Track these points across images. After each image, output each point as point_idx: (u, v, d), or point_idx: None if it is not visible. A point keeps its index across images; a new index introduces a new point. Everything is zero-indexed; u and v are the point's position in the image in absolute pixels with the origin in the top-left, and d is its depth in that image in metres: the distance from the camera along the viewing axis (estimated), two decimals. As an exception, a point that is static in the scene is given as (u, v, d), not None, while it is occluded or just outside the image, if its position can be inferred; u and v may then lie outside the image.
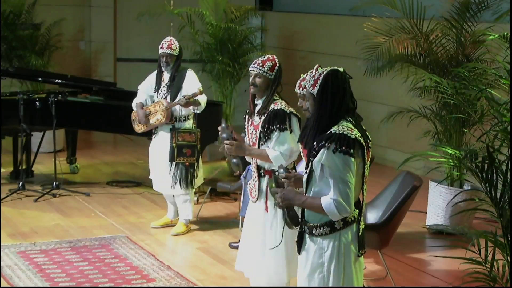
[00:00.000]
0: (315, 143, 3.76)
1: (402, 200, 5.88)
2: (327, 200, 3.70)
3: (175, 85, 7.03)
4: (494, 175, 3.93)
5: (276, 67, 5.16)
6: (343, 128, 3.71)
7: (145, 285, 5.96)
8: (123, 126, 8.11)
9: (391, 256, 6.63)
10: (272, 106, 5.13)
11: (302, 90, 4.66)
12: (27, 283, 5.87)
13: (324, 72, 3.84)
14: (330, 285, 3.84)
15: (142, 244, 6.90)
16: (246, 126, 5.34)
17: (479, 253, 4.10)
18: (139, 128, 7.26)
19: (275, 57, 5.23)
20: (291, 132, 5.06)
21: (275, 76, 5.15)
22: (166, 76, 7.11)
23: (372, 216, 6.05)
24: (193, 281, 6.05)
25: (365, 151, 3.77)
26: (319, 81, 3.83)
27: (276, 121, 5.07)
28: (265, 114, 5.12)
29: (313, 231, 3.86)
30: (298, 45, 12.03)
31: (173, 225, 7.38)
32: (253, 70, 5.14)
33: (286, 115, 5.08)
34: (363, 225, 3.91)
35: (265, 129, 5.08)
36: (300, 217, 4.01)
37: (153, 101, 7.19)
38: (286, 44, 12.28)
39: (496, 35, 4.03)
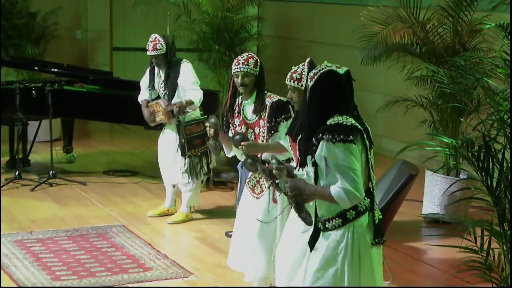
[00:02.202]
0: (313, 139, 3.74)
1: (399, 189, 5.88)
2: (337, 189, 3.67)
3: (170, 82, 7.01)
4: (490, 164, 3.94)
5: (258, 63, 5.22)
6: (338, 118, 3.70)
7: (141, 273, 5.97)
8: (120, 115, 8.12)
9: (387, 244, 6.59)
10: (268, 100, 5.16)
11: (293, 82, 4.66)
12: (24, 272, 5.88)
13: (321, 71, 3.82)
14: (346, 279, 3.80)
15: (138, 233, 6.90)
16: (231, 125, 5.35)
17: (475, 241, 4.11)
18: (152, 123, 7.28)
19: (253, 54, 5.28)
20: None
21: (260, 72, 5.19)
22: (161, 72, 7.10)
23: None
24: (189, 270, 6.07)
25: (365, 137, 3.74)
26: (314, 78, 3.81)
27: (279, 113, 5.10)
28: (263, 111, 5.14)
29: (326, 225, 3.84)
30: (295, 34, 12.01)
31: (170, 214, 7.39)
32: (240, 70, 5.15)
33: (285, 104, 5.11)
34: (380, 214, 3.89)
35: (272, 123, 5.10)
36: (302, 210, 4.00)
37: (157, 96, 7.20)
38: (282, 33, 12.27)
39: (493, 24, 4.03)
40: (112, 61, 12.69)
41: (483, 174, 3.98)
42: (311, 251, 3.93)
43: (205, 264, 6.24)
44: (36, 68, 9.65)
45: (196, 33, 10.40)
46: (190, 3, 10.25)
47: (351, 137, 3.63)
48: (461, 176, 7.48)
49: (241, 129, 5.29)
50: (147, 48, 6.96)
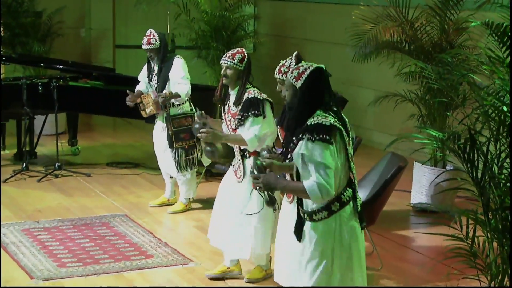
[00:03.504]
0: (294, 137, 3.78)
1: (388, 180, 5.90)
2: (310, 183, 3.68)
3: (162, 76, 7.03)
4: (475, 156, 3.94)
5: (245, 59, 5.34)
6: (318, 118, 3.72)
7: (143, 261, 5.97)
8: (122, 110, 8.09)
9: (377, 233, 6.65)
10: (246, 95, 5.28)
11: (282, 75, 4.71)
12: (31, 259, 5.88)
13: (310, 68, 3.84)
14: (338, 267, 3.82)
15: (140, 222, 6.91)
16: (223, 114, 5.47)
17: (461, 230, 4.12)
18: (143, 113, 7.29)
19: (244, 50, 5.40)
20: (264, 117, 5.21)
21: (244, 67, 5.32)
22: (155, 67, 7.13)
23: (360, 195, 6.05)
24: (189, 257, 6.07)
25: (344, 134, 3.77)
26: (303, 76, 3.82)
27: (250, 108, 5.22)
28: (240, 104, 5.27)
29: (313, 217, 3.85)
30: (290, 32, 11.99)
31: (170, 204, 7.39)
32: (224, 63, 5.33)
33: (259, 102, 5.25)
34: (360, 201, 3.94)
35: (240, 117, 5.24)
36: (275, 201, 4.11)
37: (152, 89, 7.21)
38: (278, 32, 12.25)
39: (478, 22, 4.03)
40: (114, 58, 12.65)
41: (468, 165, 3.98)
42: (298, 240, 3.95)
43: (204, 251, 6.24)
44: (42, 64, 9.62)
45: (195, 31, 10.39)
46: (190, 2, 10.23)
47: (328, 137, 3.66)
48: (448, 168, 7.49)
49: (225, 117, 5.42)
50: (142, 42, 7.00)
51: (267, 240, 5.42)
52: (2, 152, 9.02)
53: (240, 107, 5.28)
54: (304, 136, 3.68)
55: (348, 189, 3.85)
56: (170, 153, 7.08)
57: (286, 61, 4.67)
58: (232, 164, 5.50)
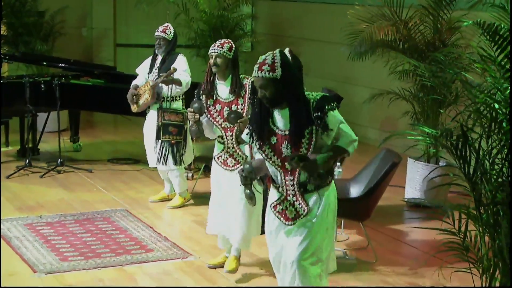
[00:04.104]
0: (317, 113, 3.88)
1: (383, 176, 5.90)
2: (350, 143, 3.96)
3: (164, 68, 6.99)
4: (468, 152, 3.94)
5: (233, 48, 5.34)
6: (314, 93, 3.97)
7: (144, 254, 5.97)
8: (123, 107, 8.09)
9: (372, 227, 6.66)
10: (246, 80, 5.33)
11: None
12: (34, 253, 5.88)
13: (276, 55, 3.89)
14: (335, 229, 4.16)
15: (141, 217, 6.90)
16: (209, 107, 5.41)
17: (453, 224, 4.12)
18: (133, 108, 7.24)
19: (230, 40, 5.40)
20: None
21: (233, 56, 5.31)
22: (159, 59, 7.10)
23: (355, 190, 6.07)
24: (188, 251, 6.07)
25: None
26: (277, 64, 3.84)
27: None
28: (242, 90, 5.30)
29: (322, 185, 4.02)
30: (287, 31, 11.98)
31: (170, 199, 7.39)
32: (214, 52, 5.30)
33: None
34: None
35: (251, 101, 5.15)
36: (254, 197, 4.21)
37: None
38: (275, 31, 12.24)
39: (471, 22, 4.03)
40: (115, 57, 12.64)
41: (461, 161, 3.98)
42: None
43: (202, 245, 6.24)
44: (44, 63, 9.61)
45: (194, 30, 10.38)
46: (189, 2, 10.23)
47: (338, 104, 3.94)
48: (441, 164, 7.50)
49: (215, 107, 5.39)
50: (157, 29, 7.00)
51: (257, 225, 5.42)
52: (5, 149, 9.03)
53: (244, 93, 5.30)
54: (328, 107, 3.89)
55: None
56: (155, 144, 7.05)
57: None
58: (216, 157, 5.48)
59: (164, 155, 7.00)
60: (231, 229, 5.50)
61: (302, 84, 4.03)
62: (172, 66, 6.85)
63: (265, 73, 3.84)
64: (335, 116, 3.91)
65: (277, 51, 3.89)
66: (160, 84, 6.91)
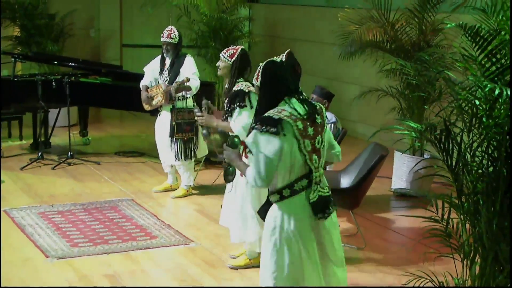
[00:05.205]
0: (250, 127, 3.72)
1: (371, 168, 5.92)
2: (249, 170, 3.66)
3: (174, 70, 6.99)
4: (450, 145, 3.95)
5: (235, 55, 5.29)
6: (273, 111, 3.64)
7: (148, 241, 5.99)
8: (129, 104, 8.10)
9: (361, 215, 6.68)
10: (234, 88, 5.24)
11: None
12: (46, 240, 5.89)
13: (261, 65, 3.85)
14: (286, 250, 3.71)
15: (145, 206, 6.92)
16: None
17: (437, 212, 4.14)
18: (146, 107, 7.25)
19: (239, 48, 5.35)
20: (251, 108, 5.10)
21: (233, 62, 5.27)
22: (168, 62, 7.08)
23: (345, 181, 6.09)
24: (190, 238, 6.09)
25: (296, 129, 3.62)
26: (260, 73, 3.84)
27: (236, 100, 5.17)
28: (235, 98, 5.24)
29: (269, 198, 3.81)
30: (281, 33, 11.99)
31: (173, 189, 7.40)
32: (220, 57, 5.38)
33: (245, 94, 5.17)
34: (320, 194, 3.76)
35: (228, 108, 5.21)
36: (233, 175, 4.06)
37: (157, 83, 7.17)
38: (271, 32, 12.24)
39: (453, 24, 4.04)
40: (121, 56, 12.63)
41: (444, 154, 3.99)
42: (263, 220, 3.90)
43: (204, 233, 6.26)
44: (55, 62, 9.60)
45: (195, 32, 10.37)
46: (190, 5, 10.21)
47: (274, 129, 3.56)
48: (425, 156, 7.52)
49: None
50: (162, 35, 6.94)
51: (255, 227, 5.34)
52: (19, 142, 9.03)
53: (227, 99, 5.28)
54: (255, 126, 3.61)
55: (303, 179, 3.70)
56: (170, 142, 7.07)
57: (279, 58, 4.61)
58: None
59: (179, 151, 7.02)
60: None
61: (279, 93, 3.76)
62: (185, 77, 6.82)
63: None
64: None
65: (266, 61, 3.85)
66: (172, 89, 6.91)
